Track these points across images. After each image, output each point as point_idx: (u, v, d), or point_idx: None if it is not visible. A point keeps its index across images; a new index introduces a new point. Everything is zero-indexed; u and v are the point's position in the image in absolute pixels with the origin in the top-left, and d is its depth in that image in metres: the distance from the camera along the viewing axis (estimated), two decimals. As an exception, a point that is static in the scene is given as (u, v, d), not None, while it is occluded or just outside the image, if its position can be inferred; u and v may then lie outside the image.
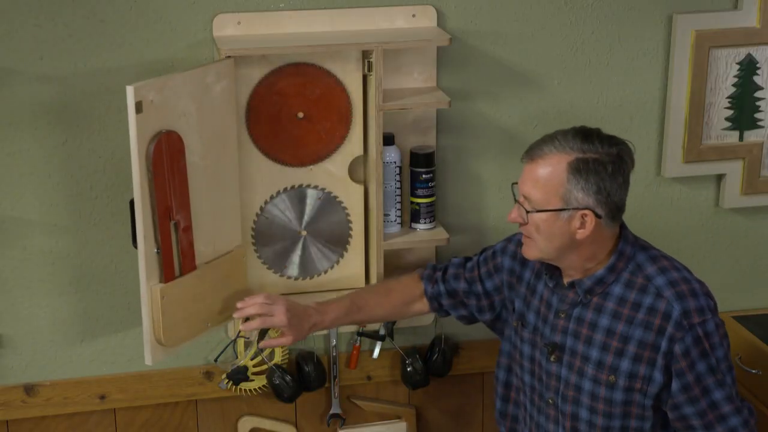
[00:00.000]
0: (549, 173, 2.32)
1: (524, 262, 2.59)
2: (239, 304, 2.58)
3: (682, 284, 2.36)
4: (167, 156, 2.48)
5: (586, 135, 2.33)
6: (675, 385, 2.34)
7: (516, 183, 2.43)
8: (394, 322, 3.02)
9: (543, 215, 2.33)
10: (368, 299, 2.72)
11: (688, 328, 2.32)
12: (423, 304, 2.74)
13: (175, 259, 2.55)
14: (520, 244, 2.59)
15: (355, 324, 2.80)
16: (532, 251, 2.41)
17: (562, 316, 2.45)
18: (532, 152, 2.36)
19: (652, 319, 2.34)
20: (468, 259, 2.73)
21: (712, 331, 2.34)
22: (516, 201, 2.41)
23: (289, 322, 2.57)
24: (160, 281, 2.53)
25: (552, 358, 2.46)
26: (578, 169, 2.29)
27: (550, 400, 2.50)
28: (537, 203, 2.34)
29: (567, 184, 2.30)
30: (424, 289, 2.73)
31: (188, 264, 2.59)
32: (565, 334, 2.44)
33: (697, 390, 2.34)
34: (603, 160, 2.30)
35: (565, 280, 2.46)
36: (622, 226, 2.43)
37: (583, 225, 2.32)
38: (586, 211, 2.31)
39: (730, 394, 2.37)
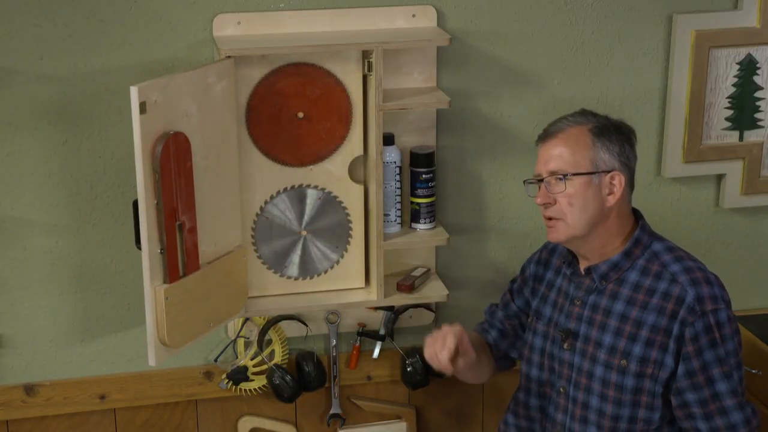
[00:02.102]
0: (574, 141, 2.38)
1: (546, 263, 2.62)
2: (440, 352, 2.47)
3: (698, 272, 2.40)
4: (174, 157, 2.48)
5: (589, 111, 2.45)
6: (680, 369, 2.36)
7: (528, 180, 2.48)
8: (394, 322, 3.03)
9: (578, 180, 2.36)
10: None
11: (701, 314, 2.34)
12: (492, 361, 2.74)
13: (180, 259, 2.55)
14: (545, 248, 2.64)
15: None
16: (561, 232, 2.42)
17: (578, 303, 2.47)
18: (550, 131, 2.43)
19: (665, 304, 2.37)
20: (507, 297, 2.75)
21: (724, 322, 2.36)
22: (536, 188, 2.44)
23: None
24: (164, 282, 2.53)
25: (565, 346, 2.48)
26: (601, 132, 2.38)
27: (561, 389, 2.51)
28: (568, 169, 2.38)
29: (593, 147, 2.37)
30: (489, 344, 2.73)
31: (192, 264, 2.59)
32: (580, 320, 2.47)
33: (701, 377, 2.35)
34: (616, 126, 2.41)
35: (582, 268, 2.49)
36: (640, 217, 2.48)
37: (612, 190, 2.38)
38: (614, 173, 2.38)
39: (734, 388, 2.38)
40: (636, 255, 2.43)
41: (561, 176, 2.38)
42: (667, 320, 2.36)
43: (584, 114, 2.44)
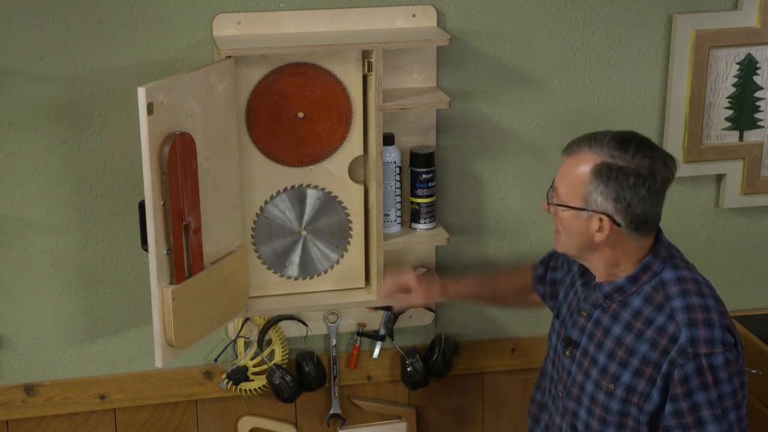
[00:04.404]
0: (576, 171, 2.31)
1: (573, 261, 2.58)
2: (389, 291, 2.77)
3: (699, 312, 2.30)
4: (181, 157, 2.48)
5: (623, 141, 2.29)
6: (668, 408, 2.30)
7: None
8: (394, 322, 3.03)
9: (563, 210, 2.33)
10: (486, 287, 2.79)
11: (692, 357, 2.26)
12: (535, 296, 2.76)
13: (185, 260, 2.55)
14: None
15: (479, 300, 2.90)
16: (558, 244, 2.41)
17: (584, 314, 2.44)
18: (569, 147, 2.36)
19: (659, 338, 2.30)
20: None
21: (719, 366, 2.27)
22: (549, 191, 2.40)
23: (424, 301, 2.76)
24: (171, 283, 2.54)
25: (567, 353, 2.46)
26: (600, 173, 2.27)
27: (560, 393, 2.49)
28: (561, 197, 2.34)
29: (588, 185, 2.29)
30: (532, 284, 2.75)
31: (197, 265, 2.59)
32: (582, 332, 2.44)
33: (689, 419, 2.28)
34: (628, 169, 2.26)
35: (594, 280, 2.44)
36: (659, 240, 2.39)
37: (600, 229, 2.30)
38: (603, 216, 2.29)
39: (726, 430, 2.29)
40: (643, 281, 2.36)
41: (552, 201, 2.36)
42: (659, 355, 2.30)
43: (613, 140, 2.30)
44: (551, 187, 2.38)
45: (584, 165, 2.29)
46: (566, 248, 2.39)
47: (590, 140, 2.31)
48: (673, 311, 2.31)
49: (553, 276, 2.67)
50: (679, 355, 2.27)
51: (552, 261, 2.71)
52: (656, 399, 2.32)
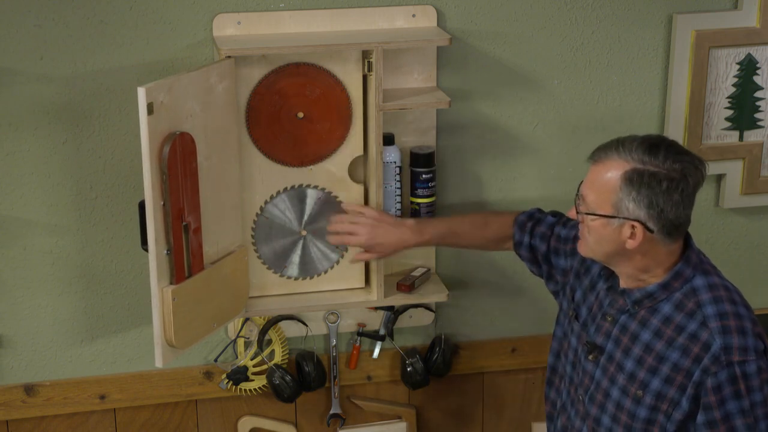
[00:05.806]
0: (605, 178, 2.28)
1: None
2: (336, 220, 2.78)
3: (732, 319, 2.29)
4: (181, 157, 2.48)
5: (652, 146, 2.27)
6: (700, 417, 2.29)
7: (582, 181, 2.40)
8: (394, 322, 3.03)
9: (593, 219, 2.30)
10: (465, 228, 2.76)
11: (726, 365, 2.25)
12: (512, 245, 2.76)
13: (185, 260, 2.55)
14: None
15: (448, 246, 2.91)
16: (583, 249, 2.38)
17: (609, 319, 2.41)
18: (595, 154, 2.32)
19: (691, 345, 2.29)
20: (562, 220, 2.67)
21: (752, 373, 2.26)
22: (576, 199, 2.37)
23: (370, 242, 2.73)
24: (171, 283, 2.54)
25: (590, 357, 2.44)
26: (631, 179, 2.25)
27: (580, 397, 2.48)
28: (590, 206, 2.31)
29: (619, 192, 2.26)
30: (513, 233, 2.72)
31: (197, 265, 2.59)
32: (608, 337, 2.41)
33: (722, 428, 2.27)
34: (660, 175, 2.24)
35: (621, 285, 2.41)
36: (689, 246, 2.37)
37: (632, 235, 2.28)
38: (636, 223, 2.26)
39: None
40: (674, 287, 2.34)
41: (581, 210, 2.33)
42: (690, 362, 2.28)
43: (642, 145, 2.26)
44: (577, 194, 2.35)
45: (613, 171, 2.26)
46: (593, 254, 2.36)
47: (617, 146, 2.28)
48: (705, 318, 2.29)
49: (561, 264, 2.63)
50: (713, 363, 2.26)
51: (537, 227, 2.68)
52: (685, 407, 2.30)
